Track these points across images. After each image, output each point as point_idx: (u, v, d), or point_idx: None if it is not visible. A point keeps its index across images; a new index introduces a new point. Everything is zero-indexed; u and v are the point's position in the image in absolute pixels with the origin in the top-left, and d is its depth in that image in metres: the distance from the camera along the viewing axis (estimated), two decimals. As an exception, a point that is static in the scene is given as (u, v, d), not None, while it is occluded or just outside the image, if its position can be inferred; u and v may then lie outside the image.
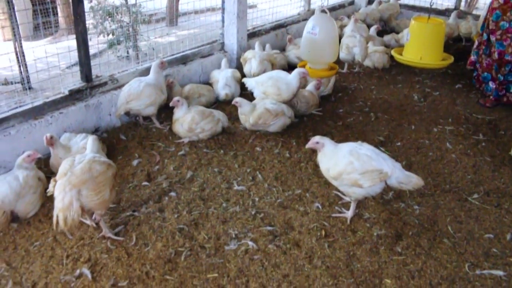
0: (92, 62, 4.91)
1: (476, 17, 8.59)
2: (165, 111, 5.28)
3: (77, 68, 4.95)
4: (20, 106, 4.34)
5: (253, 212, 3.81)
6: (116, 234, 3.52)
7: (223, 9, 6.51)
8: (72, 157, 3.36)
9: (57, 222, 3.10)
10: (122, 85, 5.10)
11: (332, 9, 9.22)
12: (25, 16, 7.06)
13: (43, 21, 6.24)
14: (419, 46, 6.38)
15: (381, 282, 3.18)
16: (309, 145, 3.66)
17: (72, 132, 4.46)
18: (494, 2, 5.71)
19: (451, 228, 3.74)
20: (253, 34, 7.19)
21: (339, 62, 6.93)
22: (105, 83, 5.04)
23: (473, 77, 6.40)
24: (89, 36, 4.86)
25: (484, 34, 5.97)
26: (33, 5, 7.76)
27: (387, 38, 8.10)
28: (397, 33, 8.40)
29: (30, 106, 4.36)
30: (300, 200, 4.01)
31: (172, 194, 4.01)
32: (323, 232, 3.62)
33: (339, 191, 4.02)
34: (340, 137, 5.02)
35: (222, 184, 4.17)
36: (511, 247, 3.54)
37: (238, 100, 4.97)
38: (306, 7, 8.64)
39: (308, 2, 8.65)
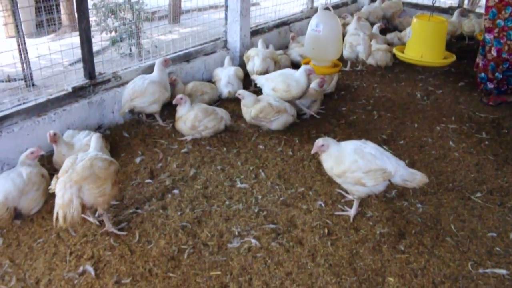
0: (95, 59, 4.91)
1: (479, 15, 8.56)
2: (168, 109, 5.28)
3: (80, 65, 4.94)
4: (23, 103, 4.34)
5: (256, 210, 3.81)
6: (120, 230, 3.53)
7: (226, 6, 6.50)
8: (75, 155, 3.37)
9: (57, 219, 3.12)
10: (125, 83, 5.11)
11: (335, 7, 9.19)
12: (27, 13, 7.05)
13: (46, 18, 6.23)
14: (421, 44, 6.36)
15: (384, 280, 3.18)
16: (315, 149, 3.64)
17: (75, 129, 4.46)
18: (490, 1, 5.69)
19: (454, 226, 3.73)
20: (256, 32, 7.18)
21: (342, 60, 6.92)
22: (108, 81, 5.04)
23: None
24: (92, 33, 4.86)
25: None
26: (36, 2, 7.78)
27: (390, 36, 8.09)
28: (400, 31, 8.39)
29: (33, 103, 4.36)
30: (303, 198, 4.01)
31: (175, 191, 4.01)
32: (326, 230, 3.62)
33: (342, 189, 4.03)
34: (343, 136, 5.02)
35: (225, 182, 4.17)
36: (514, 246, 3.55)
37: (241, 92, 5.01)
38: (309, 4, 8.62)
39: (311, 0, 8.64)
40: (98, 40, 6.72)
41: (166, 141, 4.80)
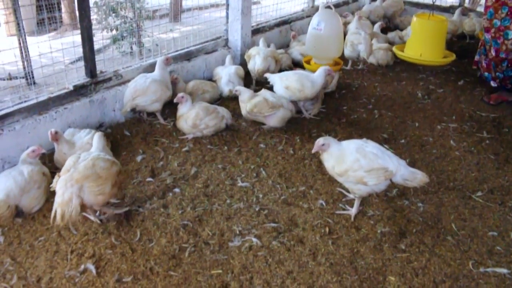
0: (96, 58, 4.91)
1: (480, 14, 8.54)
2: (169, 107, 5.28)
3: (80, 64, 4.94)
4: (25, 101, 4.34)
5: (257, 209, 3.81)
6: (120, 229, 3.53)
7: (227, 5, 6.50)
8: (77, 154, 3.39)
9: (55, 217, 3.13)
10: (127, 81, 5.11)
11: (336, 5, 9.19)
12: (29, 11, 7.05)
13: (47, 17, 6.23)
14: (420, 43, 6.37)
15: (385, 279, 3.18)
16: (315, 149, 3.64)
17: (76, 128, 4.47)
18: (488, 0, 5.69)
19: (455, 225, 3.73)
20: (257, 31, 7.17)
21: (343, 58, 6.93)
22: (110, 79, 5.04)
23: (478, 77, 6.42)
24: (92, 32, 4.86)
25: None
26: (37, 0, 7.77)
27: (391, 35, 8.09)
28: (401, 30, 8.38)
29: (34, 101, 4.36)
30: (304, 197, 4.01)
31: (176, 190, 4.02)
32: (327, 229, 3.62)
33: (343, 188, 4.03)
34: (344, 134, 5.02)
35: (226, 181, 4.18)
36: (515, 245, 3.55)
37: (238, 88, 5.06)
38: (310, 3, 8.62)
39: (312, -1, 8.64)
40: (99, 39, 6.73)
41: (167, 140, 4.80)
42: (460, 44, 8.46)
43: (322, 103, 5.67)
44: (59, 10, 9.26)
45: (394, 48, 6.80)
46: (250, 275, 3.16)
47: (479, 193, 4.16)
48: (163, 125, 5.08)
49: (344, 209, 3.86)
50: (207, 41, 6.46)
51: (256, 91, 5.30)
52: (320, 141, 3.61)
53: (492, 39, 5.65)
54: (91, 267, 3.16)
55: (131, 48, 7.78)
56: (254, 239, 3.47)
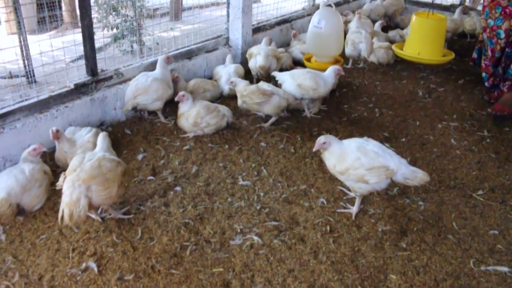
0: (97, 56, 4.91)
1: (481, 13, 8.54)
2: (170, 106, 5.28)
3: (81, 62, 4.94)
4: (25, 100, 4.34)
5: (258, 207, 3.82)
6: (122, 224, 3.54)
7: (228, 3, 6.49)
8: (82, 154, 3.40)
9: (62, 217, 3.13)
10: (128, 79, 5.12)
11: (337, 4, 9.18)
12: (29, 10, 7.05)
13: (48, 15, 6.23)
14: (418, 41, 6.37)
15: (386, 278, 3.18)
16: (316, 147, 3.63)
17: (77, 126, 4.47)
18: (485, 0, 5.67)
19: (456, 224, 3.74)
20: (257, 29, 7.17)
21: (344, 57, 6.93)
22: (111, 77, 5.04)
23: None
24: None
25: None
26: (37, -2, 7.76)
27: (391, 33, 8.09)
28: (402, 28, 8.38)
29: (35, 99, 4.37)
30: (305, 195, 4.01)
31: (177, 188, 4.02)
32: (328, 228, 3.62)
33: (344, 186, 4.03)
34: (344, 133, 5.02)
35: (227, 179, 4.18)
36: (516, 243, 3.55)
37: (233, 79, 5.12)
38: (310, 2, 8.61)
39: (312, -3, 8.64)
40: (100, 37, 6.73)
41: (168, 138, 4.81)
42: (461, 43, 8.46)
43: (323, 101, 5.68)
44: (60, 8, 9.25)
45: (393, 46, 6.81)
46: (251, 274, 3.17)
47: (480, 192, 4.17)
48: (164, 124, 5.08)
49: (345, 208, 3.87)
50: (207, 40, 6.46)
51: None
52: (321, 139, 3.61)
53: (488, 39, 5.65)
54: (93, 265, 3.16)
55: (132, 46, 7.78)
56: (255, 238, 3.47)
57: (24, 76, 5.74)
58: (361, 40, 6.77)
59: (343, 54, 6.91)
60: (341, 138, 3.77)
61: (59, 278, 3.07)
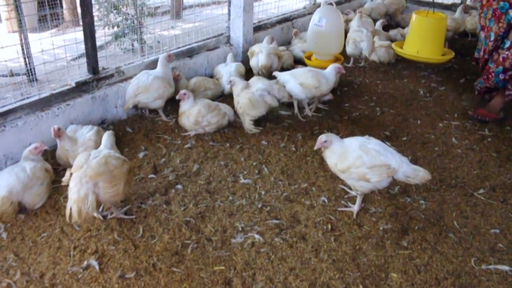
0: (98, 54, 4.91)
1: (482, 12, 8.53)
2: (171, 104, 5.29)
3: (82, 60, 4.94)
4: (27, 98, 4.34)
5: (259, 206, 3.82)
6: (123, 222, 3.55)
7: (229, 2, 6.49)
8: (87, 152, 3.40)
9: (70, 214, 3.13)
10: (129, 78, 5.12)
11: (338, 3, 9.18)
12: (30, 7, 7.05)
13: (47, 14, 6.23)
14: (418, 40, 6.37)
15: (387, 276, 3.18)
16: (318, 145, 3.63)
17: (79, 124, 4.47)
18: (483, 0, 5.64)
19: (457, 223, 3.74)
20: (259, 28, 7.17)
21: (345, 56, 6.93)
22: (112, 76, 5.04)
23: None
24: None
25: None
26: (38, -4, 7.77)
27: (393, 32, 8.09)
28: (403, 27, 8.38)
29: (37, 97, 4.36)
30: (306, 194, 4.01)
31: (179, 187, 4.02)
32: (329, 226, 3.63)
33: (345, 185, 4.03)
34: (346, 132, 5.02)
35: (228, 178, 4.18)
36: (517, 242, 3.55)
37: (232, 78, 5.13)
38: (312, 0, 8.61)
39: (313, -4, 8.64)
40: (101, 35, 6.73)
41: (169, 137, 4.81)
42: (462, 42, 8.46)
43: (325, 101, 5.69)
44: (61, 6, 9.24)
45: (393, 45, 6.81)
46: (252, 272, 3.17)
47: (481, 191, 4.17)
48: (165, 122, 5.08)
49: (346, 206, 3.87)
50: (208, 38, 6.45)
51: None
52: (322, 137, 3.60)
53: (484, 39, 5.62)
54: (94, 263, 3.17)
55: (133, 45, 7.78)
56: (257, 236, 3.47)
57: (25, 74, 5.74)
58: (362, 39, 6.77)
59: (344, 53, 6.91)
60: (342, 137, 3.76)
61: (61, 276, 3.07)
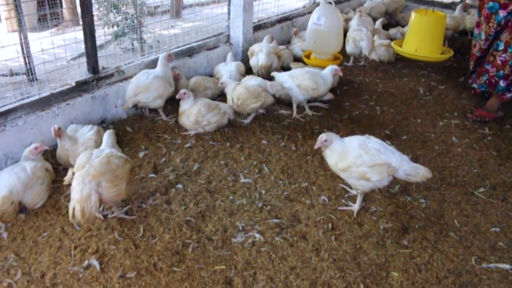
0: (98, 54, 4.90)
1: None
2: (171, 104, 5.28)
3: (82, 60, 4.94)
4: (27, 97, 4.34)
5: (259, 205, 3.82)
6: (124, 221, 3.55)
7: (229, 1, 6.48)
8: (89, 151, 3.40)
9: (73, 214, 3.13)
10: (129, 77, 5.12)
11: (338, 2, 9.17)
12: (30, 7, 7.04)
13: (46, 13, 6.22)
14: (416, 39, 6.36)
15: (388, 275, 3.19)
16: (318, 145, 3.62)
17: (79, 124, 4.47)
18: None
19: (457, 221, 3.74)
20: (258, 27, 7.17)
21: (345, 55, 6.93)
22: (112, 75, 5.04)
23: None
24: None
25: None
26: (38, -4, 7.76)
27: (392, 31, 8.09)
28: (403, 26, 8.37)
29: (37, 97, 4.36)
30: (307, 193, 4.01)
31: (179, 186, 4.02)
32: (330, 225, 3.63)
33: (345, 184, 4.03)
34: (346, 131, 5.02)
35: (228, 177, 4.18)
36: (517, 241, 3.56)
37: (223, 80, 5.17)
38: (311, -1, 8.62)
39: (313, -5, 8.63)
40: (101, 35, 6.72)
41: (170, 136, 4.80)
42: (462, 40, 8.45)
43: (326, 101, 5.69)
44: (61, 6, 9.24)
45: (392, 43, 6.80)
46: (253, 271, 3.17)
47: (482, 189, 4.17)
48: (165, 121, 5.08)
49: (346, 205, 3.87)
50: (208, 37, 6.45)
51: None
52: (322, 136, 3.60)
53: (478, 35, 5.60)
54: (95, 262, 3.17)
55: (132, 44, 7.78)
56: (257, 235, 3.47)
57: (25, 73, 5.73)
58: (362, 38, 6.77)
59: (344, 52, 6.91)
60: (342, 136, 3.77)
61: (61, 275, 3.07)
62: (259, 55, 5.94)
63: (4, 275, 3.07)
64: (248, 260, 3.26)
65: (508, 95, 5.32)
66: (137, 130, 4.89)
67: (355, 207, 3.79)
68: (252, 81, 5.04)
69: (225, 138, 4.82)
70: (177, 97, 4.83)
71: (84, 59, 4.87)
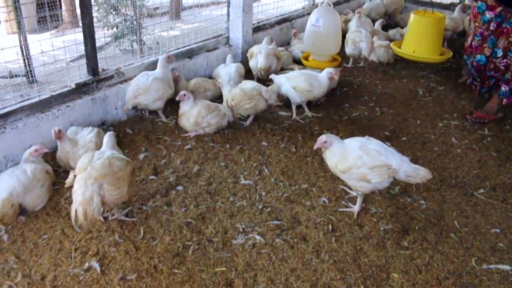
0: (98, 56, 4.91)
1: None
2: (171, 105, 5.29)
3: (82, 62, 4.94)
4: (27, 99, 4.34)
5: (260, 207, 3.82)
6: (124, 223, 3.55)
7: (228, 2, 6.49)
8: (91, 153, 3.41)
9: (76, 216, 3.13)
10: (128, 79, 5.12)
11: (337, 3, 9.19)
12: (29, 9, 7.03)
13: (46, 15, 6.22)
14: (415, 40, 6.36)
15: (388, 277, 3.19)
16: (317, 145, 3.63)
17: (79, 126, 4.47)
18: None
19: (457, 222, 3.74)
20: (258, 28, 7.17)
21: (344, 56, 6.93)
22: (112, 77, 5.04)
23: None
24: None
25: None
26: (37, -2, 7.74)
27: (392, 32, 8.09)
28: (402, 27, 8.37)
29: (37, 99, 4.36)
30: (307, 194, 4.02)
31: (179, 188, 4.02)
32: (330, 227, 3.63)
33: (345, 185, 4.04)
34: (345, 132, 5.02)
35: (228, 179, 4.18)
36: (517, 242, 3.56)
37: (220, 81, 5.21)
38: (310, 1, 8.61)
39: (312, -4, 8.63)
40: (100, 37, 6.72)
41: (169, 138, 4.81)
42: (461, 41, 8.42)
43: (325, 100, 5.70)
44: (60, 7, 9.24)
45: (391, 44, 6.81)
46: (254, 273, 3.17)
47: (481, 190, 4.17)
48: (165, 123, 5.09)
49: (346, 207, 3.87)
50: (208, 39, 6.46)
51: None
52: (322, 138, 3.61)
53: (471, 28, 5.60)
54: (95, 265, 3.17)
55: (132, 46, 7.78)
56: (258, 237, 3.47)
57: (24, 75, 5.73)
58: (362, 39, 6.78)
59: (343, 53, 6.91)
60: (342, 137, 3.77)
61: (62, 278, 3.07)
62: (258, 57, 5.94)
63: (5, 278, 3.06)
64: (248, 262, 3.26)
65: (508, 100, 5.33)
66: (137, 132, 4.89)
67: (355, 208, 3.79)
68: (248, 84, 5.06)
69: (225, 139, 4.82)
70: (177, 98, 4.83)
71: (83, 61, 4.88)
